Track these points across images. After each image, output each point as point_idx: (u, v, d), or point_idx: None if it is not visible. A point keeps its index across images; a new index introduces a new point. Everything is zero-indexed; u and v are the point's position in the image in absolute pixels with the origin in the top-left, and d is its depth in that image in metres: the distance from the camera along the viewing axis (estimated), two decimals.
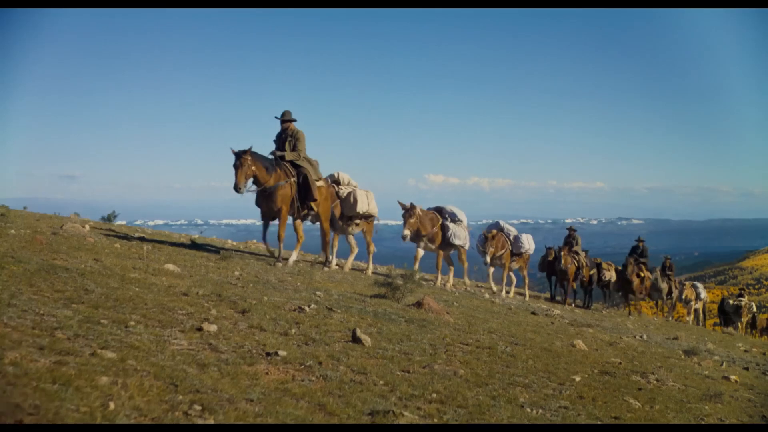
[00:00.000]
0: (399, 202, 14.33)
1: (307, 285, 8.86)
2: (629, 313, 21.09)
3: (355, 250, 14.50)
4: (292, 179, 11.75)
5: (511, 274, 18.68)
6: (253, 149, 11.00)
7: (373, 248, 14.61)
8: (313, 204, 12.05)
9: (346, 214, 13.62)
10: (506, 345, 6.97)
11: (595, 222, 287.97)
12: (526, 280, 19.28)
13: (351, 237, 14.55)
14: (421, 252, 15.10)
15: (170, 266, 7.46)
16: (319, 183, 12.39)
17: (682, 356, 9.91)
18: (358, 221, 13.97)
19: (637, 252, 23.13)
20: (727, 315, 28.55)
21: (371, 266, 14.46)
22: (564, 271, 20.32)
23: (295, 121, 12.28)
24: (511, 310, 11.98)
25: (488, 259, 16.47)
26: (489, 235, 16.78)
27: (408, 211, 14.32)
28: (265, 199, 11.49)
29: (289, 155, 11.96)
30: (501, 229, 18.05)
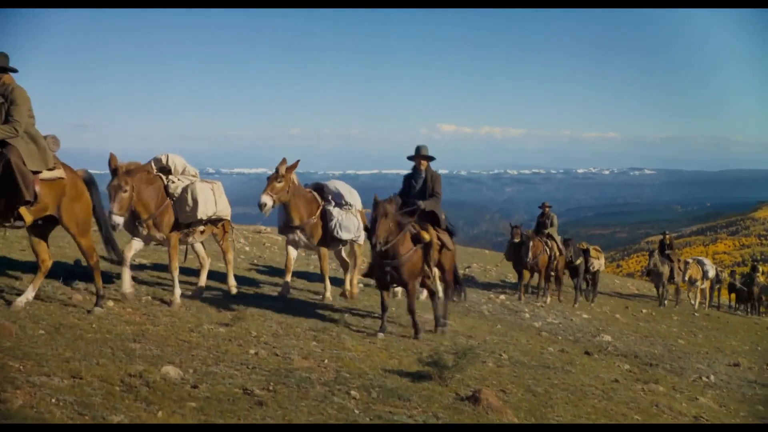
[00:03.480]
0: (283, 161, 10.38)
1: (336, 362, 7.32)
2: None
3: (207, 264, 10.51)
4: None
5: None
6: None
7: (231, 257, 10.81)
8: (24, 210, 7.29)
9: (184, 221, 9.51)
10: None
11: (607, 172, 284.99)
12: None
13: (199, 246, 10.51)
14: (293, 253, 11.15)
15: (169, 370, 5.91)
16: (53, 173, 7.61)
17: None
18: (202, 228, 9.99)
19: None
20: (745, 295, 26.19)
21: (233, 281, 10.83)
22: (533, 263, 16.31)
23: (13, 71, 7.46)
24: (564, 353, 10.43)
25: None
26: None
27: (277, 171, 10.27)
28: None
29: None
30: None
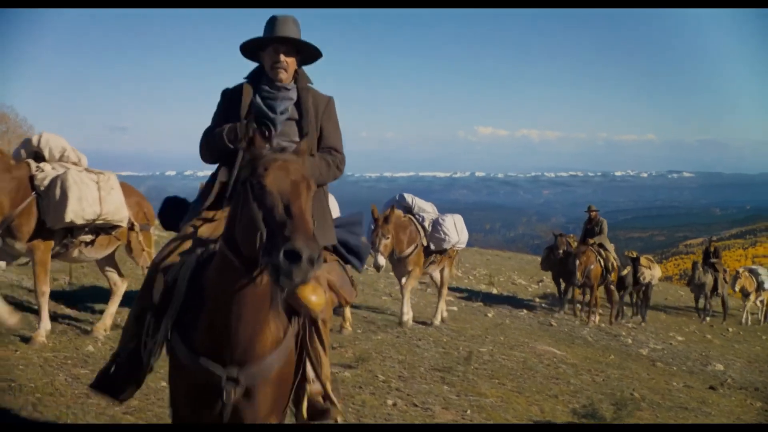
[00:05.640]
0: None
1: (479, 413, 6.56)
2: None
3: (120, 290, 7.58)
4: None
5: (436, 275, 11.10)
6: None
7: (119, 286, 7.60)
8: None
9: (52, 225, 6.51)
10: None
11: (645, 175, 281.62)
12: (445, 289, 11.11)
13: (110, 271, 7.67)
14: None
15: None
16: None
17: None
18: (88, 237, 6.91)
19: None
20: None
21: (109, 317, 7.27)
22: (574, 273, 13.83)
23: None
24: (691, 389, 9.56)
25: (381, 259, 9.33)
26: (381, 217, 9.40)
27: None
28: None
29: None
30: (408, 209, 10.49)
